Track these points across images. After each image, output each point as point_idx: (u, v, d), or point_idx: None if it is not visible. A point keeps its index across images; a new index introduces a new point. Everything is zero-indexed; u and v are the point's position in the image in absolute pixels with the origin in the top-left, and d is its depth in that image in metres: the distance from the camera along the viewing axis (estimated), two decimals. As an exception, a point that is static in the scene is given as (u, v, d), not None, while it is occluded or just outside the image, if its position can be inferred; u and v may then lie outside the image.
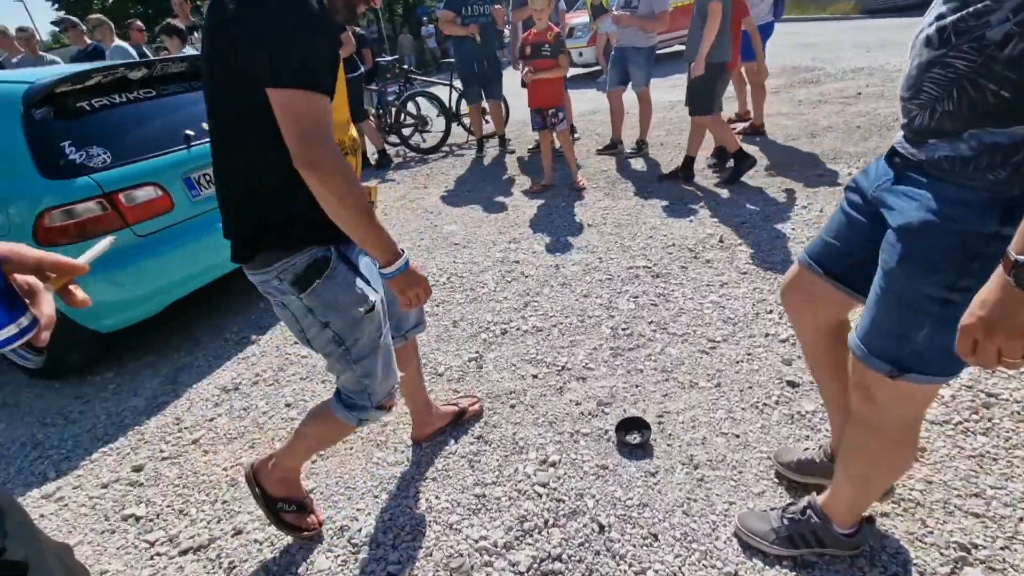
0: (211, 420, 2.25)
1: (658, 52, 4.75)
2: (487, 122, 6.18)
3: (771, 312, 2.44)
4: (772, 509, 1.49)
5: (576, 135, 5.78)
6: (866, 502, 1.34)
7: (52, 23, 6.70)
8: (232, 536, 1.69)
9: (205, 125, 2.90)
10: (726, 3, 3.59)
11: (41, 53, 6.22)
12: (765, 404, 1.93)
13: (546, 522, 1.59)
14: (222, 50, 1.07)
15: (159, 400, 2.42)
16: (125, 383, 2.58)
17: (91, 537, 1.76)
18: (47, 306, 0.57)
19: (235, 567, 1.60)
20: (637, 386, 2.10)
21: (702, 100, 3.83)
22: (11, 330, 0.52)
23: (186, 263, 2.67)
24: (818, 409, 1.85)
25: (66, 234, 2.32)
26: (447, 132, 6.45)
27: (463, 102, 6.44)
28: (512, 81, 5.58)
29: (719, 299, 2.59)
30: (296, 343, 2.73)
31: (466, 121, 6.58)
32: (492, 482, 1.76)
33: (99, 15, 5.83)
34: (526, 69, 4.07)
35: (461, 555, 1.53)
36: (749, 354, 2.19)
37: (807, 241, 1.97)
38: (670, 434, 1.85)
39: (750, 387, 2.02)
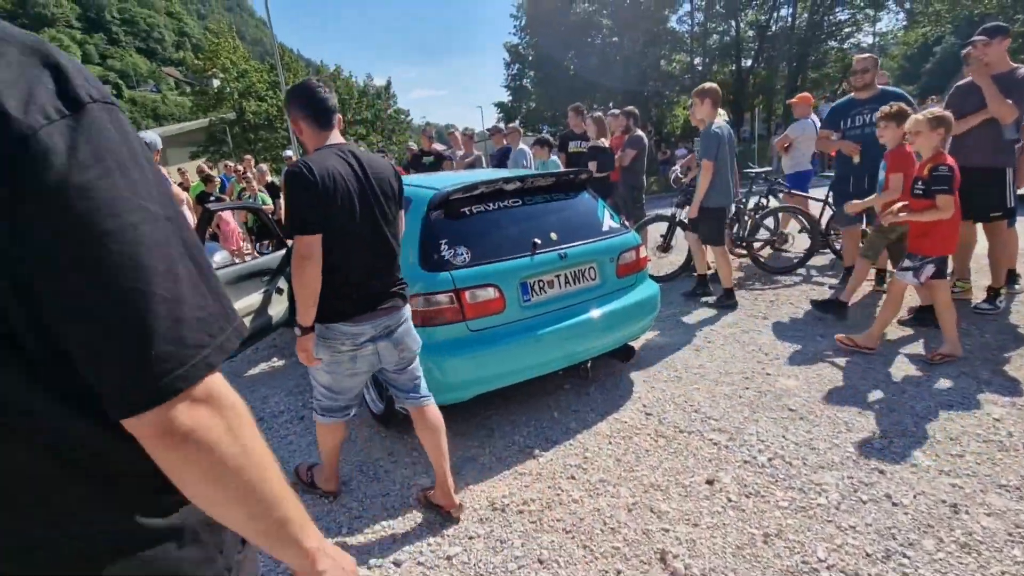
0: (470, 539, 2.16)
1: None
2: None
3: None
4: None
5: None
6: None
7: (487, 128, 8.88)
8: None
9: (553, 235, 3.07)
10: None
11: (474, 150, 8.20)
12: None
13: None
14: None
15: (440, 489, 2.51)
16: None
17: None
18: None
19: None
20: None
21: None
22: None
23: (503, 361, 2.76)
24: None
25: (421, 318, 2.67)
26: (810, 252, 5.51)
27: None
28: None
29: None
30: (572, 477, 2.49)
31: (838, 244, 5.51)
32: None
33: (514, 124, 7.24)
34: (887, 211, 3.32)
35: None
36: None
37: None
38: None
39: None
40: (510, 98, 32.32)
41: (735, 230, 6.00)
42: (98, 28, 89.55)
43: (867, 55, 4.09)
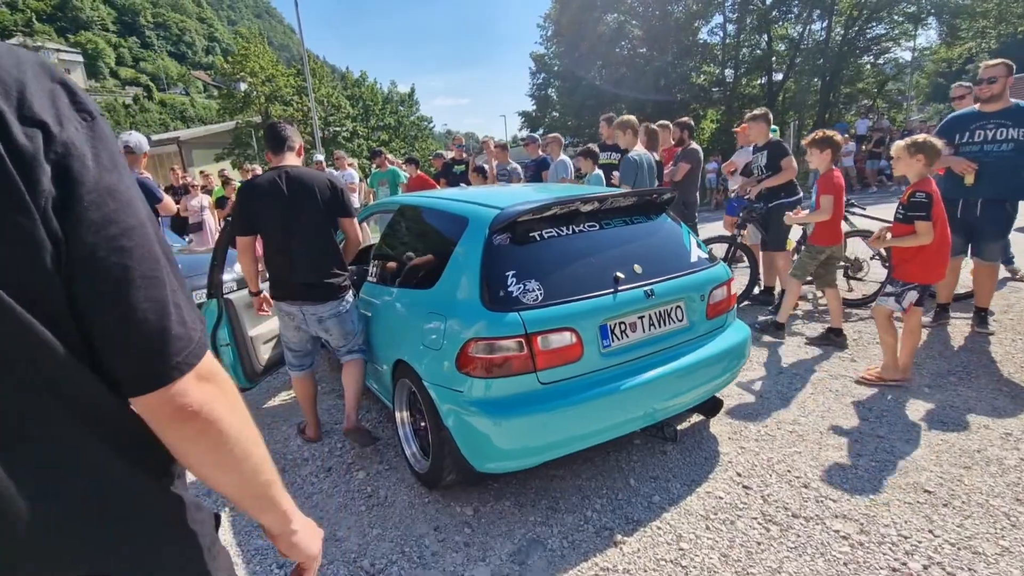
0: (550, 670, 1.66)
1: None
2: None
3: None
4: None
5: None
6: None
7: (519, 138, 8.50)
8: None
9: (638, 268, 2.57)
10: None
11: (509, 160, 7.75)
12: None
13: None
14: None
15: (502, 585, 2.01)
16: (478, 533, 2.30)
17: None
18: None
19: None
20: None
21: None
22: None
23: (578, 422, 2.27)
24: None
25: (481, 367, 2.19)
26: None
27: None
28: None
29: None
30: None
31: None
32: None
33: (555, 134, 6.79)
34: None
35: None
36: None
37: None
38: None
39: None
40: (534, 107, 32.00)
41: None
42: (132, 32, 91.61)
43: (998, 61, 3.53)
